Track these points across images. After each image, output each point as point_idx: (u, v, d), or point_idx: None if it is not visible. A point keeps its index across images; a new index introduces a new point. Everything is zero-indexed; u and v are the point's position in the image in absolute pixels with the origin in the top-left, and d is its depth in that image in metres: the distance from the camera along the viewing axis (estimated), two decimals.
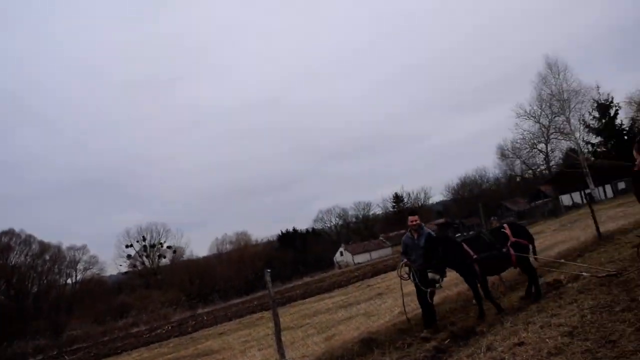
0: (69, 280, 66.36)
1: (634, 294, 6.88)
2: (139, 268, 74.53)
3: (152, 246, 75.48)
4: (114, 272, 75.25)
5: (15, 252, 62.91)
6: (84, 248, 68.71)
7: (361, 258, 70.51)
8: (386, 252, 72.42)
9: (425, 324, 8.38)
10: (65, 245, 67.32)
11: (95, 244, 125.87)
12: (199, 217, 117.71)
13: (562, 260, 10.68)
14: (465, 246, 8.43)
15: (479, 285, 8.38)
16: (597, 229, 14.09)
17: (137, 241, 75.27)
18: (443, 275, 8.18)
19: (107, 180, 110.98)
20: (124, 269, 75.10)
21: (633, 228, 11.08)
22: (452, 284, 10.39)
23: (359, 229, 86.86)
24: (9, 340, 38.76)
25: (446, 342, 7.38)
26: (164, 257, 76.17)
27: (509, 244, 8.64)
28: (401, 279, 8.82)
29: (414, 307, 9.16)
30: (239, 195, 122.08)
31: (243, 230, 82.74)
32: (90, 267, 68.29)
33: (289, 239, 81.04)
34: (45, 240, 65.02)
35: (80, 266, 67.41)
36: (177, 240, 77.45)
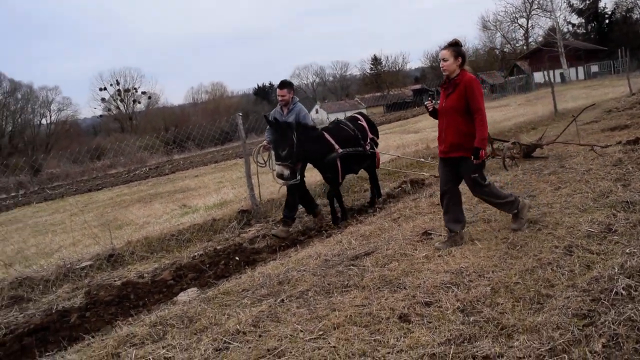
0: (43, 121, 66.33)
1: (564, 162, 7.89)
2: (114, 112, 74.60)
3: (127, 91, 74.88)
4: (89, 116, 75.32)
5: None
6: (56, 89, 68.15)
7: (335, 117, 71.35)
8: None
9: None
10: (37, 85, 66.48)
11: (68, 86, 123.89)
12: (173, 66, 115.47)
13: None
14: (327, 136, 7.12)
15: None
16: (555, 106, 15.05)
17: (111, 85, 74.46)
18: (293, 172, 6.71)
19: (79, 19, 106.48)
20: (99, 112, 75.06)
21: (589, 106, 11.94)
22: None
23: (335, 88, 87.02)
24: None
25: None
26: (139, 103, 76.02)
27: (368, 139, 7.64)
28: (257, 165, 7.59)
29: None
30: (215, 46, 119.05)
31: (219, 81, 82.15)
32: (64, 108, 67.99)
33: (265, 92, 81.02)
34: (17, 78, 63.92)
35: (54, 107, 67.08)
36: (151, 87, 77.13)
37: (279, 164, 6.63)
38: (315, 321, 3.80)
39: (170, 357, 3.60)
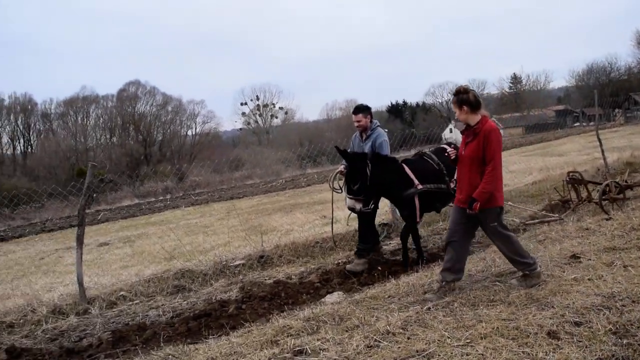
0: (189, 132, 71.54)
1: None
2: (253, 126, 78.80)
3: (265, 106, 78.79)
4: (229, 128, 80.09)
5: (141, 101, 68.44)
6: (202, 103, 73.32)
7: None
8: None
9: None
10: (185, 98, 71.87)
11: (213, 100, 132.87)
12: (310, 82, 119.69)
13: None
14: (406, 169, 6.40)
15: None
16: None
17: (251, 100, 78.77)
18: (366, 205, 6.24)
19: (224, 38, 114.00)
20: (239, 125, 79.64)
21: None
22: None
23: None
24: (140, 180, 43.65)
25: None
26: (276, 118, 79.63)
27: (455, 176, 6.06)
28: (332, 190, 7.15)
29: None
30: (351, 62, 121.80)
31: (353, 97, 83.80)
32: (208, 121, 72.83)
33: (397, 110, 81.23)
34: (168, 92, 69.66)
35: (199, 119, 72.11)
36: (288, 102, 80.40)
37: (350, 198, 6.21)
38: (462, 330, 3.94)
39: (325, 349, 3.91)
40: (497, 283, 4.90)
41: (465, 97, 4.66)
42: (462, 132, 4.85)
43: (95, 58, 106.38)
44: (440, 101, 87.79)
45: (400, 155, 7.99)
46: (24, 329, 5.89)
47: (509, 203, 8.91)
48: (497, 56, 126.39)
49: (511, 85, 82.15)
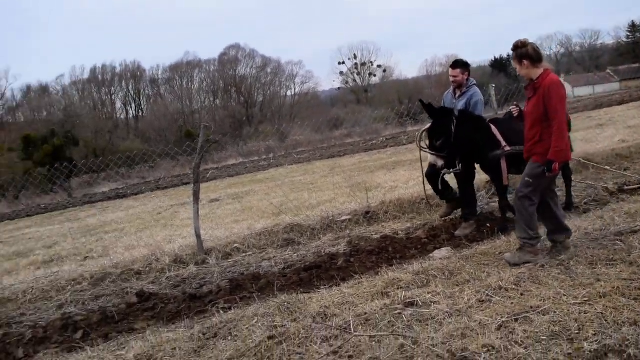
0: (288, 93, 72.58)
1: None
2: (351, 85, 78.55)
3: (363, 64, 78.06)
4: (327, 88, 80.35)
5: (241, 64, 70.13)
6: (300, 63, 73.97)
7: (582, 91, 65.35)
8: (613, 87, 65.90)
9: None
10: (284, 60, 72.72)
11: (311, 61, 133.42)
12: (408, 39, 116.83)
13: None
14: (494, 129, 5.96)
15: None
16: None
17: (349, 59, 78.24)
18: (451, 166, 6.06)
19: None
20: (337, 84, 79.65)
21: None
22: None
23: (583, 59, 79.57)
24: (244, 140, 45.10)
25: None
26: (374, 76, 78.74)
27: None
28: (420, 149, 6.70)
29: None
30: (450, 18, 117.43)
31: (453, 53, 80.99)
32: (307, 81, 73.50)
33: (501, 65, 77.50)
34: (267, 55, 70.78)
35: (297, 80, 72.89)
36: (386, 60, 79.24)
37: (432, 154, 5.97)
38: (578, 288, 3.83)
39: (436, 302, 3.96)
40: (617, 242, 4.67)
41: (524, 51, 4.48)
42: (525, 88, 4.64)
43: (197, 24, 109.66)
44: (548, 53, 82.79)
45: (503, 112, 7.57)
46: (150, 276, 6.40)
47: (606, 167, 8.39)
48: (611, 2, 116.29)
49: (629, 34, 75.57)
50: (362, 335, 3.55)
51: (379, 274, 4.98)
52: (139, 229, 9.92)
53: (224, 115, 57.63)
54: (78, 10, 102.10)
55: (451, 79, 6.58)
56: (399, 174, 11.56)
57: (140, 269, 6.58)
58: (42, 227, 13.90)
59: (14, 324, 5.49)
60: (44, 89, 68.60)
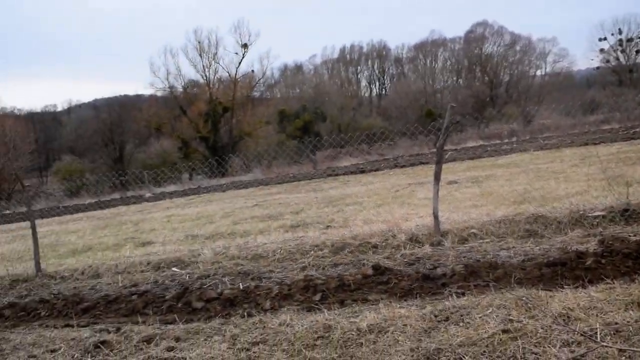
0: (537, 72, 67.95)
1: None
2: (612, 64, 70.25)
3: (629, 40, 69.06)
4: (583, 67, 73.17)
5: (488, 42, 67.52)
6: (554, 40, 68.39)
7: None
8: None
9: None
10: (535, 37, 68.01)
11: (566, 36, 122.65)
12: None
13: None
14: None
15: None
16: None
17: (612, 34, 69.75)
18: None
19: None
20: (596, 64, 71.93)
21: None
22: None
23: None
24: (486, 122, 43.70)
25: None
26: None
27: None
28: None
29: None
30: None
31: None
32: (560, 60, 67.81)
33: None
34: (516, 31, 66.91)
35: (549, 58, 67.72)
36: None
37: None
38: None
39: None
40: None
41: None
42: None
43: (443, 1, 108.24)
44: None
45: None
46: (386, 251, 6.58)
47: None
48: None
49: None
50: (611, 347, 3.17)
51: (636, 281, 4.40)
52: (377, 204, 10.27)
53: (467, 95, 56.39)
54: None
55: None
56: None
57: (377, 243, 6.80)
58: (291, 195, 15.27)
59: (264, 278, 6.14)
60: (298, 68, 75.16)
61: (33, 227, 8.53)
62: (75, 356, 4.38)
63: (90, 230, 13.30)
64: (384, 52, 75.52)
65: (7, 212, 31.53)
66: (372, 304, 4.81)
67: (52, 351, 4.58)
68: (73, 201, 32.12)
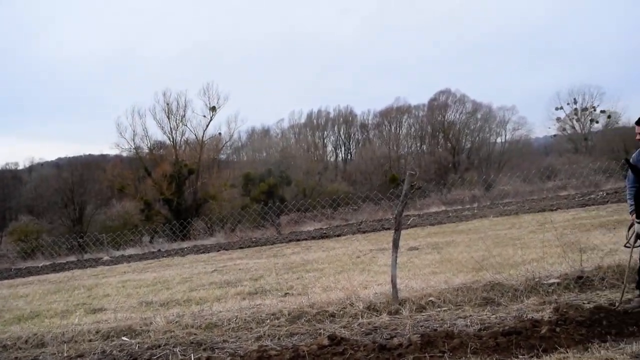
0: (498, 139, 69.97)
1: None
2: (568, 132, 72.99)
3: (584, 109, 72.14)
4: (541, 135, 75.75)
5: (451, 109, 69.69)
6: (513, 109, 70.48)
7: None
8: None
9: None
10: (495, 105, 70.34)
11: (525, 105, 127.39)
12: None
13: None
14: None
15: None
16: None
17: (568, 104, 72.77)
18: None
19: (537, 37, 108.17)
20: (552, 132, 74.59)
21: None
22: None
23: None
24: (448, 187, 44.46)
25: None
26: (596, 122, 72.07)
27: None
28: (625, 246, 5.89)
29: None
30: None
31: None
32: (519, 127, 69.87)
33: None
34: (478, 100, 69.29)
35: (509, 126, 69.91)
36: (612, 105, 71.81)
37: (638, 222, 5.42)
38: None
39: None
40: None
41: None
42: None
43: (408, 69, 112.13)
44: None
45: None
46: (343, 320, 6.46)
47: None
48: None
49: None
50: None
51: (589, 350, 4.42)
52: (337, 271, 10.19)
53: (430, 160, 57.64)
54: (303, 58, 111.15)
55: (637, 137, 5.84)
56: (620, 235, 10.26)
57: (335, 311, 6.69)
58: (252, 260, 15.06)
59: (217, 349, 5.93)
60: (265, 132, 75.92)
61: None
62: None
63: (40, 295, 12.76)
64: (350, 118, 77.01)
65: None
66: None
67: None
68: (27, 263, 31.00)
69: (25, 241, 39.32)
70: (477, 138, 68.61)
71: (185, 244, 28.56)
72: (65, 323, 8.28)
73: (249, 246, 21.25)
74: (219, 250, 21.09)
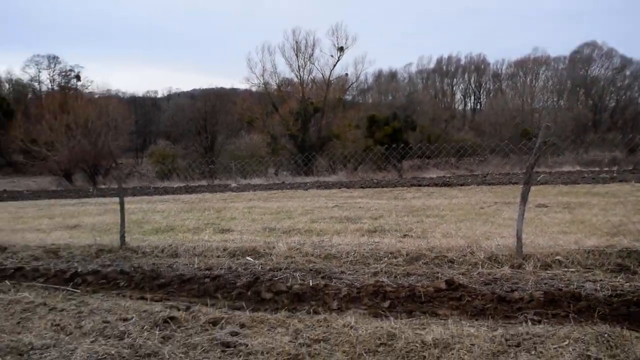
0: None
1: None
2: None
3: None
4: None
5: (595, 64, 64.20)
6: None
7: None
8: None
9: None
10: None
11: None
12: None
13: None
14: None
15: None
16: None
17: None
18: None
19: None
20: None
21: None
22: None
23: None
24: (585, 147, 41.55)
25: None
26: None
27: None
28: None
29: None
30: None
31: None
32: None
33: None
34: (627, 55, 63.21)
35: None
36: None
37: None
38: None
39: None
40: None
41: None
42: None
43: (550, 19, 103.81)
44: None
45: None
46: (462, 267, 6.36)
47: None
48: None
49: None
50: None
51: None
52: (459, 219, 9.97)
53: (567, 117, 53.87)
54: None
55: None
56: None
57: (454, 257, 6.60)
58: (372, 200, 15.15)
59: (334, 278, 6.11)
60: (392, 75, 74.76)
61: (121, 203, 8.96)
62: (145, 327, 4.53)
63: (175, 212, 13.81)
64: (482, 66, 73.68)
65: (103, 186, 33.50)
66: (441, 319, 4.66)
67: (124, 320, 4.77)
68: (163, 183, 33.67)
69: (163, 163, 42.48)
70: (624, 97, 63.09)
71: (307, 179, 29.37)
72: (197, 238, 8.93)
73: (370, 187, 21.37)
74: (340, 188, 21.44)
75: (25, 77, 73.36)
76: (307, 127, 47.67)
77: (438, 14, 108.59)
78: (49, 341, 4.35)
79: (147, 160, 52.04)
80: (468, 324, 4.36)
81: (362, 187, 21.12)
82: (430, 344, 3.85)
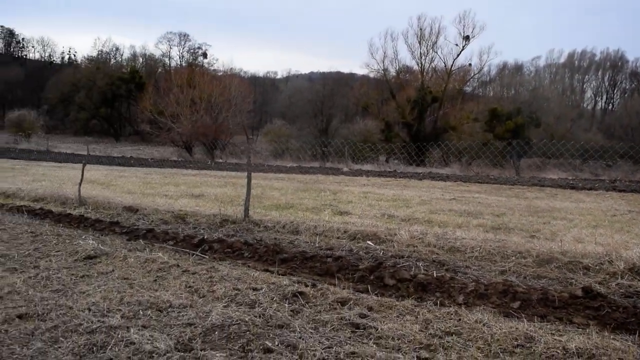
0: None
1: None
2: None
3: None
4: None
5: None
6: None
7: None
8: None
9: None
10: None
11: None
12: None
13: None
14: None
15: None
16: None
17: None
18: None
19: None
20: None
21: None
22: None
23: None
24: None
25: None
26: None
27: None
28: None
29: None
30: None
31: None
32: None
33: None
34: None
35: None
36: None
37: None
38: None
39: None
40: None
41: None
42: None
43: None
44: None
45: None
46: (598, 275, 5.94)
47: None
48: None
49: None
50: None
51: None
52: (591, 225, 9.34)
53: None
54: None
55: None
56: None
57: (590, 264, 6.18)
58: (490, 196, 14.62)
59: (459, 272, 5.94)
60: (518, 68, 71.43)
61: (249, 178, 9.28)
62: (275, 299, 4.64)
63: (292, 191, 14.12)
64: (620, 63, 68.39)
65: (220, 160, 35.03)
66: (579, 328, 4.37)
67: (254, 289, 4.92)
68: (277, 162, 34.60)
69: (277, 142, 43.61)
70: None
71: (420, 169, 28.96)
72: (317, 218, 9.06)
73: (487, 182, 20.66)
74: (455, 181, 20.91)
75: (157, 53, 78.22)
76: (423, 116, 46.92)
77: (576, 5, 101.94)
78: (184, 301, 4.59)
79: (262, 138, 53.73)
80: (612, 337, 4.05)
81: (479, 182, 20.45)
82: (574, 353, 3.61)
